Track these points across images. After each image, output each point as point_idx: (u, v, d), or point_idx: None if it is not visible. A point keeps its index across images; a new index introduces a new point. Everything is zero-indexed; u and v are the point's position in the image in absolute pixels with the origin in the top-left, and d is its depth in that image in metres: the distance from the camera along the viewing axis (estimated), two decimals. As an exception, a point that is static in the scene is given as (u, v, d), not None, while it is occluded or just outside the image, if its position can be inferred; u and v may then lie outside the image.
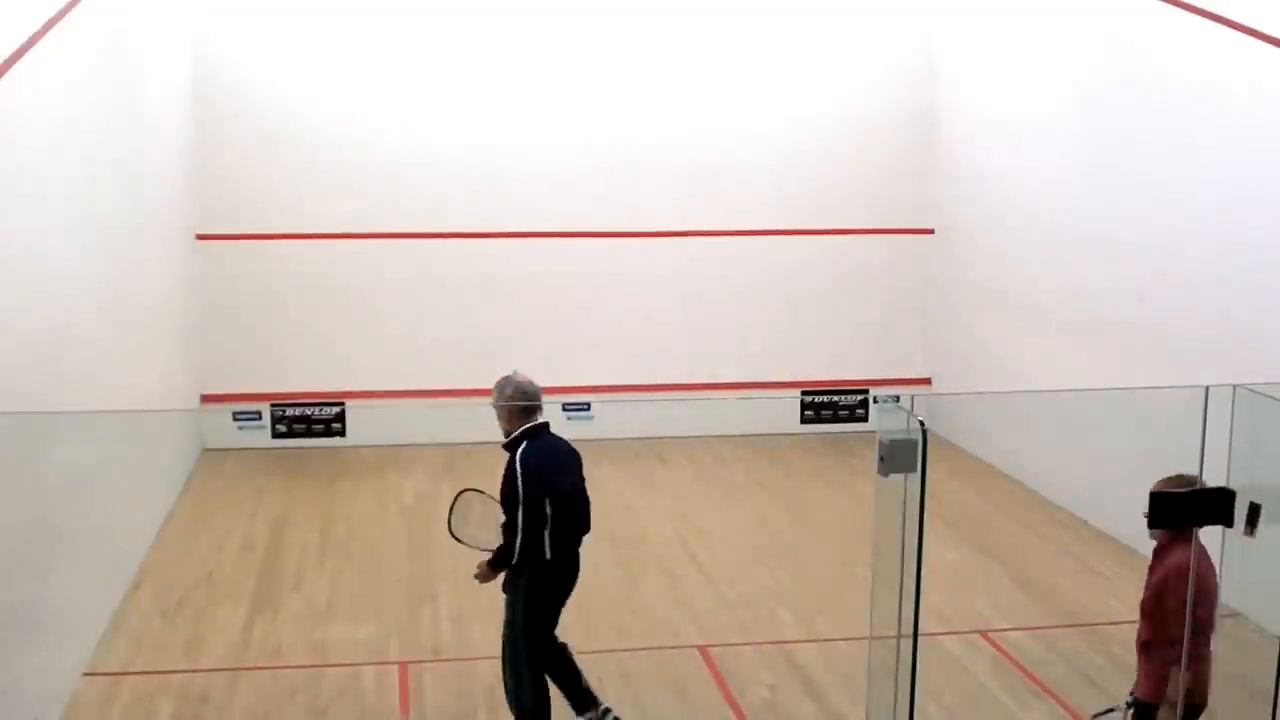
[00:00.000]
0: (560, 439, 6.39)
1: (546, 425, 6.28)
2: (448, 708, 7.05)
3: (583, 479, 6.47)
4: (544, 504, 6.09)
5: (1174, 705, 5.18)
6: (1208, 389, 5.55)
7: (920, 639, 5.09)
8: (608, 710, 6.57)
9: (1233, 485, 5.15)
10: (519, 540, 6.08)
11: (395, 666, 7.56)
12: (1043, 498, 10.96)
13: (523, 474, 6.08)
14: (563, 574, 6.32)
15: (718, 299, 13.00)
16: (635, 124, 12.63)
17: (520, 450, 6.15)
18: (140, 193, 9.64)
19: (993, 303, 12.14)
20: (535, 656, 6.31)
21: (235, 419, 12.27)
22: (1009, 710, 7.07)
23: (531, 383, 6.27)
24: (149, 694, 7.12)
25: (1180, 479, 5.23)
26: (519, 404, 6.22)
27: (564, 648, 6.53)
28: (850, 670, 7.32)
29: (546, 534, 6.11)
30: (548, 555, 6.14)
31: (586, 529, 6.45)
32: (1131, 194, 9.79)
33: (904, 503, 5.08)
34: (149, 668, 7.47)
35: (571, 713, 6.52)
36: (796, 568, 9.31)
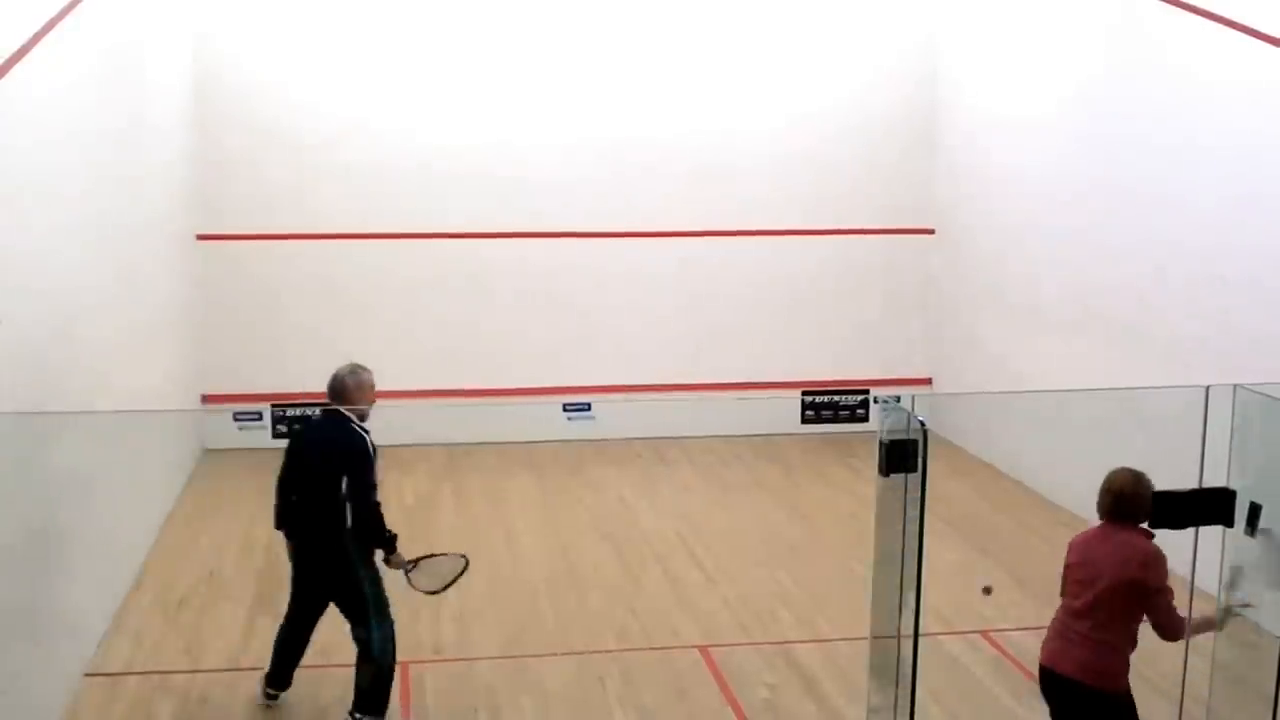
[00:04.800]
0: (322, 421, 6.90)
1: (328, 410, 6.78)
2: (448, 708, 7.06)
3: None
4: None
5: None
6: (1208, 389, 5.57)
7: (920, 639, 5.10)
8: (275, 696, 6.93)
9: (1233, 485, 5.16)
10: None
11: (395, 666, 7.54)
12: (1043, 498, 10.96)
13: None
14: None
15: (718, 299, 13.00)
16: (636, 124, 12.63)
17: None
18: (140, 193, 9.64)
19: (993, 303, 12.14)
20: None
21: (236, 419, 12.28)
22: (1010, 710, 7.07)
23: (352, 372, 6.89)
24: (149, 694, 7.12)
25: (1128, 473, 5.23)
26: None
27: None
28: (850, 670, 7.32)
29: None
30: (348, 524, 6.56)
31: None
32: (1131, 194, 9.79)
33: (904, 503, 5.09)
34: (150, 668, 7.47)
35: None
36: (796, 568, 9.31)
